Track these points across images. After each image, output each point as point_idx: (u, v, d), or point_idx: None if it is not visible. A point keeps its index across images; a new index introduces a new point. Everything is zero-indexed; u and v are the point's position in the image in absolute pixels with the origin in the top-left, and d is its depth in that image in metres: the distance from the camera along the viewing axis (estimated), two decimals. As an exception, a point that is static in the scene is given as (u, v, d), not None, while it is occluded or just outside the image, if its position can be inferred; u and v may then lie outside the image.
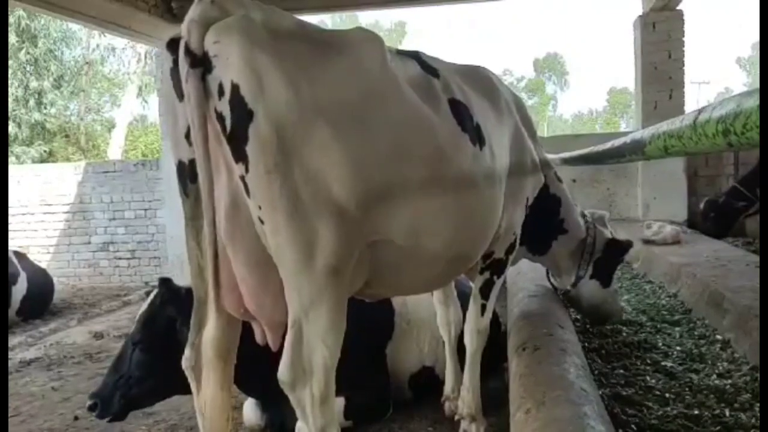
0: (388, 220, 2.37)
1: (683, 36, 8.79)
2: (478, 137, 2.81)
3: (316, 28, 2.37)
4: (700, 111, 1.28)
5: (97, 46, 25.31)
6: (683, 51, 8.79)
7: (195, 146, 2.13)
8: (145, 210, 10.44)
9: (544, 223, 3.83)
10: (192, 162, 2.21)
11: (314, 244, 2.15)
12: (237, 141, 2.09)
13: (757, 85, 1.14)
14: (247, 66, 2.04)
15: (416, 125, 2.45)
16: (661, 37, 8.74)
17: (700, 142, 1.25)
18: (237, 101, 2.05)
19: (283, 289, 2.25)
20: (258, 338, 2.56)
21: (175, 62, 2.15)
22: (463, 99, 2.82)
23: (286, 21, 2.24)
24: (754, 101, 0.99)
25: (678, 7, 8.74)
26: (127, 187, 10.44)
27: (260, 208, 2.12)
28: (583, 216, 4.10)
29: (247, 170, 2.09)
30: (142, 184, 10.38)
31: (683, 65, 8.82)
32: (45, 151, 23.64)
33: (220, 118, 2.10)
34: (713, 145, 1.19)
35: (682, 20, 8.77)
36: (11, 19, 21.00)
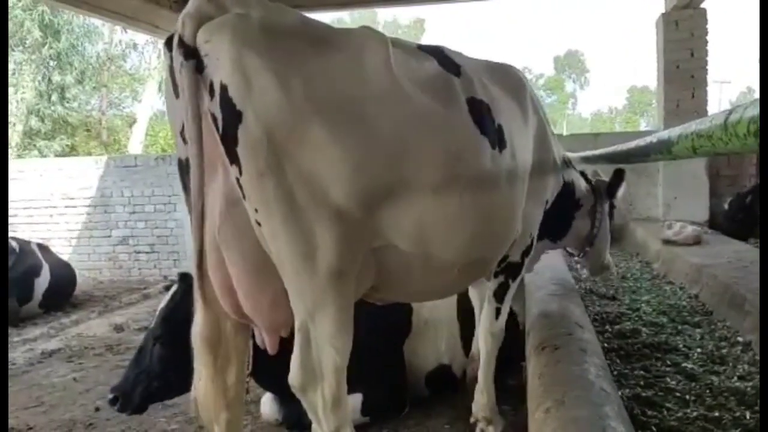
0: (391, 225, 2.29)
1: (706, 34, 8.66)
2: (498, 139, 2.69)
3: (319, 26, 2.29)
4: (730, 111, 1.26)
5: (119, 41, 25.52)
6: (706, 50, 8.67)
7: (188, 142, 2.08)
8: (165, 204, 10.52)
9: (563, 212, 3.82)
10: (189, 159, 2.16)
11: (314, 247, 2.11)
12: (228, 142, 2.06)
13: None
14: (236, 67, 2.00)
15: (422, 126, 2.34)
16: (684, 36, 8.62)
17: (730, 143, 1.23)
18: (226, 102, 2.02)
19: (279, 292, 2.22)
20: (258, 341, 2.54)
21: (172, 59, 2.11)
22: (485, 98, 2.69)
23: (287, 18, 2.18)
24: (788, 101, 0.98)
25: (701, 5, 8.62)
26: (147, 182, 10.53)
27: (256, 211, 2.09)
28: (584, 176, 4.06)
29: (240, 172, 2.06)
30: (161, 179, 10.46)
31: (706, 64, 8.69)
32: (67, 145, 23.92)
33: (213, 118, 2.07)
34: (744, 145, 1.17)
35: (706, 18, 8.64)
36: (34, 15, 21.25)
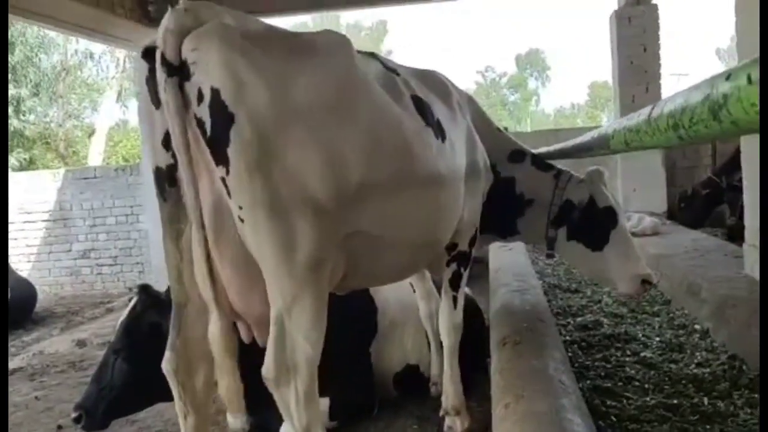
0: (363, 213, 2.43)
1: (659, 29, 8.87)
2: (440, 131, 2.93)
3: (286, 32, 2.44)
4: (653, 106, 1.31)
5: (75, 51, 25.05)
6: (659, 44, 8.88)
7: (177, 152, 2.15)
8: (127, 216, 10.36)
9: (503, 207, 3.72)
10: (169, 167, 2.25)
11: (294, 240, 2.20)
12: (218, 144, 2.13)
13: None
14: (227, 71, 2.10)
15: (387, 121, 2.54)
16: (636, 32, 8.82)
17: (655, 137, 1.28)
18: (218, 105, 2.10)
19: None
20: (244, 337, 2.57)
21: (151, 71, 2.18)
22: (423, 96, 2.94)
23: (257, 26, 2.30)
24: (700, 95, 1.01)
25: (653, 1, 8.83)
26: (108, 193, 10.36)
27: (241, 207, 2.17)
28: (556, 175, 3.86)
29: (227, 172, 2.14)
30: (123, 190, 10.30)
31: (659, 58, 8.90)
32: (25, 159, 23.35)
33: (200, 123, 2.14)
34: (667, 139, 1.22)
35: (657, 14, 8.86)
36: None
